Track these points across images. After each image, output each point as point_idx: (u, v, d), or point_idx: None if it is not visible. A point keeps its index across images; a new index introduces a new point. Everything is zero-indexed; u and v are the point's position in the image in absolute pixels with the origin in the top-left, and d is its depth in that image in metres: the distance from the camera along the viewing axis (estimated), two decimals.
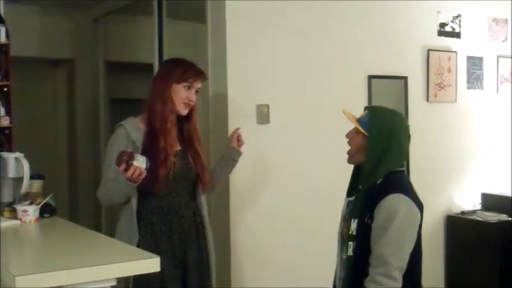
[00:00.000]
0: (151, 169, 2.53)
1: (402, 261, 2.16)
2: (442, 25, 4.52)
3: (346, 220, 2.36)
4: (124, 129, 2.69)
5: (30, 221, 2.69)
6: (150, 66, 3.95)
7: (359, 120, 2.34)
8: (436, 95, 4.47)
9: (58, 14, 5.00)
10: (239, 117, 3.51)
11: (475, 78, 4.70)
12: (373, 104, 4.07)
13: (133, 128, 2.69)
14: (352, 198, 2.39)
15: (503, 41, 4.90)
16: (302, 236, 3.78)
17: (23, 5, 4.56)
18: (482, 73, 4.73)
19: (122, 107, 4.42)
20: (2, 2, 3.43)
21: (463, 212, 4.55)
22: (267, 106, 3.65)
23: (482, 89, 4.76)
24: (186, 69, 2.75)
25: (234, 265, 3.54)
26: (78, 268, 1.86)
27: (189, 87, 2.72)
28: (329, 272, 2.51)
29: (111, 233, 2.73)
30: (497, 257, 4.26)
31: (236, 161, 3.05)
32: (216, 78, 3.56)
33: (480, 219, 4.42)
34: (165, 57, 3.88)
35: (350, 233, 2.28)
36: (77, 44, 5.17)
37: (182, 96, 2.71)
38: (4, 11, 3.42)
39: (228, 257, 3.52)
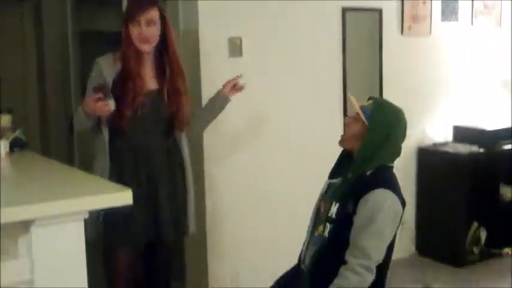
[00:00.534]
0: (118, 108, 2.63)
1: (381, 254, 2.26)
2: None
3: (326, 201, 2.42)
4: (97, 65, 2.77)
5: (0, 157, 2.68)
6: None
7: (362, 108, 2.38)
8: (410, 28, 4.44)
9: None
10: (210, 51, 3.47)
11: (450, 10, 4.66)
12: (347, 37, 4.05)
13: (107, 64, 2.76)
14: (334, 181, 2.45)
15: None
16: (277, 176, 3.83)
17: None
18: (457, 4, 4.69)
19: (93, 40, 4.41)
20: None
21: (434, 144, 4.62)
22: (240, 39, 3.60)
23: (457, 21, 4.73)
24: (130, 6, 2.79)
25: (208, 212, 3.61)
26: (50, 201, 1.87)
27: (139, 23, 2.70)
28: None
29: (84, 165, 2.76)
30: (467, 188, 4.35)
31: (223, 109, 3.03)
32: (186, 11, 3.49)
33: (451, 150, 4.49)
34: None
35: (329, 215, 2.35)
36: None
37: (134, 34, 2.71)
38: None
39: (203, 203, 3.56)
